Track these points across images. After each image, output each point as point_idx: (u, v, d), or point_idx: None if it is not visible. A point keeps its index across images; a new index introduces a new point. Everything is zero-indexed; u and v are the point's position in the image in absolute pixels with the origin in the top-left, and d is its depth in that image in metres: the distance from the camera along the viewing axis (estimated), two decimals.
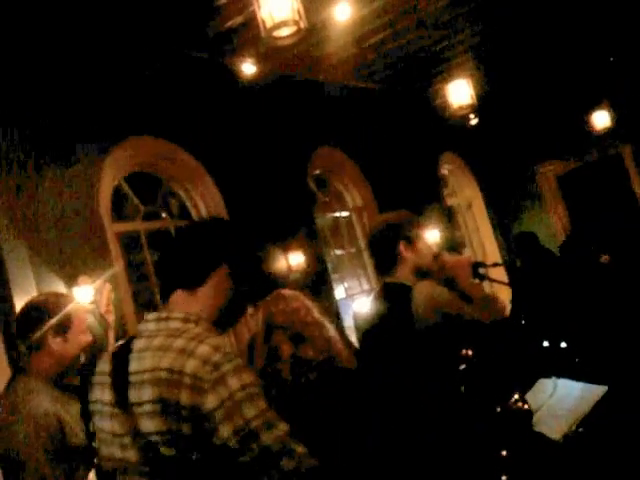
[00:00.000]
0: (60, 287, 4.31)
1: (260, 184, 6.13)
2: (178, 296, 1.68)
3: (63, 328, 2.45)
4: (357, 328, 2.80)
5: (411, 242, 2.50)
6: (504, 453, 2.27)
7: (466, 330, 2.36)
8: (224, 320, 1.72)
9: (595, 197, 9.03)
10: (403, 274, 2.48)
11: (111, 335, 2.91)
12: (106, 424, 1.62)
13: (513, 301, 4.53)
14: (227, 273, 1.68)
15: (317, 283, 6.28)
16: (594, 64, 8.30)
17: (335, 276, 7.26)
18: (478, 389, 2.26)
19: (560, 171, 9.71)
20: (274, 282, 5.36)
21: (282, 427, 1.48)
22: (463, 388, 2.26)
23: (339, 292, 7.24)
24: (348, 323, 6.40)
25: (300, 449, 1.47)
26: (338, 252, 7.58)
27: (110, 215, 5.06)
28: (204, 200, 5.93)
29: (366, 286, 7.48)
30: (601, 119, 8.76)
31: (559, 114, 8.91)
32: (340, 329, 2.58)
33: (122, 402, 1.55)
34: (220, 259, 1.68)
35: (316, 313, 2.59)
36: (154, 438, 1.49)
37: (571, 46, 7.66)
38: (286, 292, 2.70)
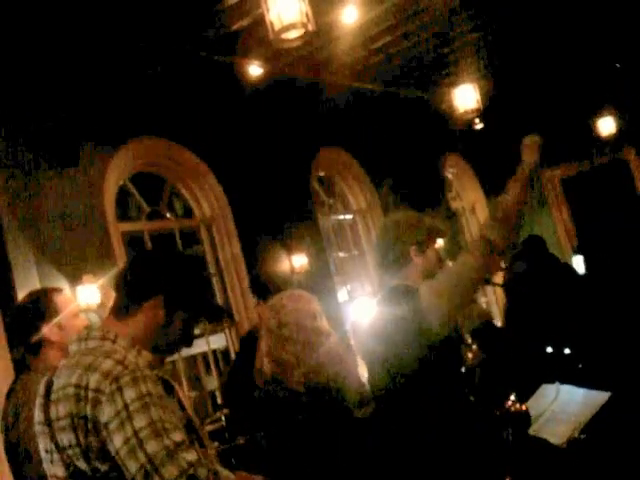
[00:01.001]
0: (64, 286, 4.32)
1: (264, 185, 6.14)
2: (106, 320, 1.75)
3: (53, 317, 2.46)
4: (358, 335, 2.78)
5: (422, 248, 2.45)
6: (504, 456, 2.26)
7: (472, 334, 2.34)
8: (163, 346, 1.76)
9: (600, 201, 9.01)
10: (410, 277, 2.44)
11: None
12: (41, 443, 1.70)
13: (510, 305, 4.53)
14: (163, 304, 1.71)
15: (320, 285, 6.28)
16: (600, 69, 8.30)
17: (338, 278, 7.26)
18: (479, 392, 2.25)
19: (565, 175, 9.70)
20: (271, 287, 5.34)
21: (173, 436, 1.51)
22: (467, 390, 2.25)
23: (342, 294, 7.24)
24: (349, 325, 6.40)
25: (190, 457, 1.50)
26: (341, 254, 7.58)
27: (115, 215, 5.07)
28: (208, 200, 5.95)
29: (369, 289, 7.48)
30: (606, 124, 8.76)
31: (564, 118, 8.89)
32: (346, 341, 2.56)
33: (47, 420, 1.64)
34: (150, 292, 1.71)
35: (320, 320, 2.58)
36: (70, 452, 1.56)
37: (577, 51, 7.66)
38: (296, 292, 2.69)
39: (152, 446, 1.48)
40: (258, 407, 2.63)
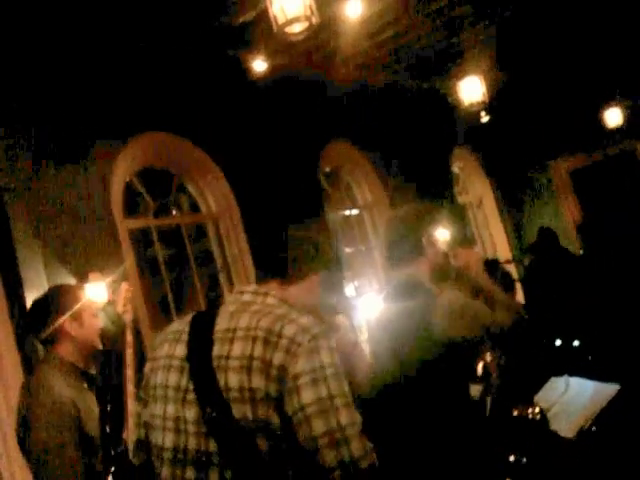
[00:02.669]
0: (71, 282, 4.33)
1: (271, 180, 6.12)
2: (273, 284, 1.77)
3: (76, 312, 2.50)
4: (368, 329, 2.76)
5: (432, 238, 2.44)
6: (512, 457, 2.24)
7: (490, 338, 2.31)
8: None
9: (608, 193, 8.97)
10: (421, 270, 2.41)
11: (129, 333, 2.95)
12: (170, 378, 1.62)
13: (526, 299, 4.50)
14: (321, 280, 1.80)
15: None
16: (608, 60, 8.24)
17: (345, 274, 7.23)
18: (498, 392, 2.22)
19: (573, 167, 9.65)
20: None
21: (359, 416, 1.49)
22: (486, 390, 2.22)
23: (349, 290, 7.22)
24: (357, 321, 6.38)
25: (369, 443, 1.47)
26: (348, 249, 7.56)
27: (121, 211, 5.07)
28: (214, 196, 5.94)
29: (376, 284, 7.46)
30: (614, 115, 8.71)
31: (572, 110, 8.85)
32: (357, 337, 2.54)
33: (200, 356, 1.56)
34: (318, 267, 1.81)
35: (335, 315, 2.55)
36: (232, 394, 1.49)
37: (585, 41, 7.60)
38: None
39: (346, 417, 1.45)
40: None
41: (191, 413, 1.54)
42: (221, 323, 1.60)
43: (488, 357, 2.14)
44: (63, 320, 2.48)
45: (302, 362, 1.46)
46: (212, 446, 1.50)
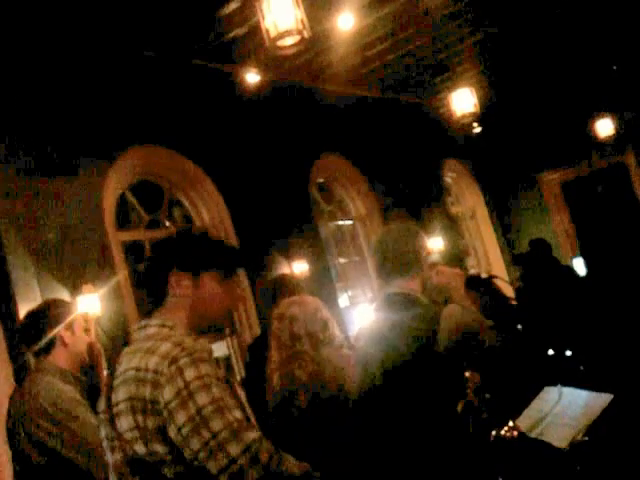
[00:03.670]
0: (64, 295, 4.32)
1: (264, 192, 6.14)
2: (155, 310, 1.78)
3: (69, 323, 2.57)
4: (359, 340, 2.77)
5: (427, 250, 2.50)
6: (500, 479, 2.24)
7: (478, 353, 2.33)
8: (208, 316, 1.78)
9: (599, 204, 9.02)
10: (415, 284, 2.45)
11: (102, 360, 3.00)
12: (102, 431, 1.72)
13: (519, 312, 4.49)
14: (181, 272, 1.74)
15: (321, 291, 6.27)
16: (597, 72, 8.31)
17: (339, 284, 7.25)
18: (479, 414, 2.22)
19: (564, 178, 9.70)
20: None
21: (236, 415, 1.51)
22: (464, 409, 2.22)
23: (343, 300, 7.23)
24: (351, 332, 6.39)
25: (252, 435, 1.50)
26: (342, 260, 7.58)
27: (114, 224, 5.07)
28: (207, 208, 5.95)
29: (369, 294, 7.47)
30: (604, 127, 8.78)
31: (563, 122, 8.91)
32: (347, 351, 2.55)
33: (108, 406, 1.65)
34: (166, 269, 1.75)
35: (331, 328, 2.56)
36: (127, 436, 1.57)
37: (574, 55, 7.67)
38: (304, 299, 2.68)
39: (216, 423, 1.48)
40: (269, 420, 2.60)
41: (117, 457, 1.63)
42: (117, 370, 1.68)
43: (467, 375, 2.14)
44: (59, 329, 2.51)
45: (167, 390, 1.51)
46: None
